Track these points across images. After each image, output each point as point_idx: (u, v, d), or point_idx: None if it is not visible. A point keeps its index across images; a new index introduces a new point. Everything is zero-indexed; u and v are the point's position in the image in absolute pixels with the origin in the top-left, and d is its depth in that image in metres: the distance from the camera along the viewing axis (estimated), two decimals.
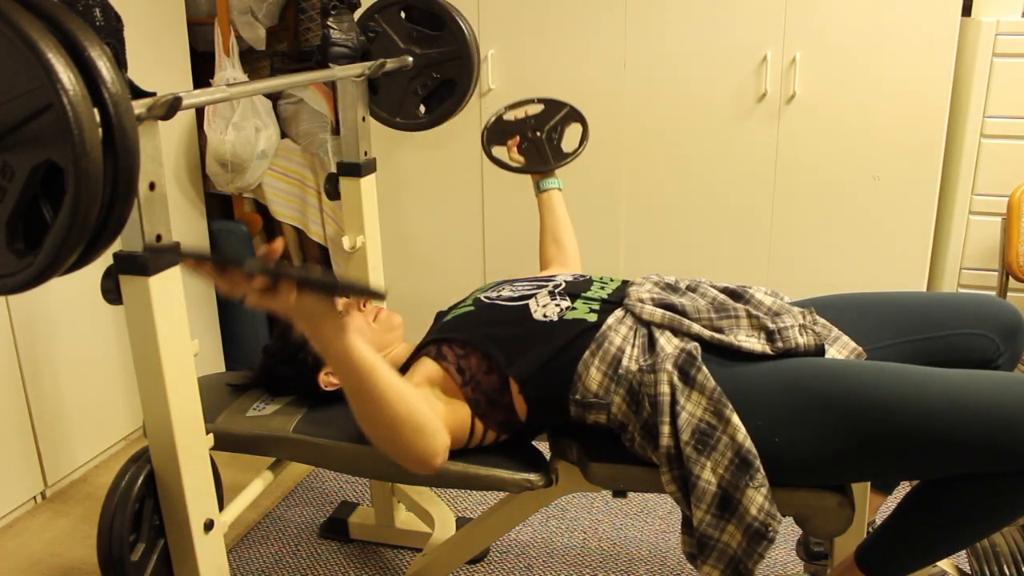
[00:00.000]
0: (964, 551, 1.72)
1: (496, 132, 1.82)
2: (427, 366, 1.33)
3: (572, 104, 1.81)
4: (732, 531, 1.17)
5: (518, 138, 1.79)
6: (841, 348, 1.29)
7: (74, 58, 0.85)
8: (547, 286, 1.40)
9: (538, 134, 1.79)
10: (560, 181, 1.79)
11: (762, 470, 1.15)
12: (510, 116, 1.82)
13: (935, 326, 1.35)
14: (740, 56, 2.25)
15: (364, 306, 1.48)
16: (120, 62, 1.03)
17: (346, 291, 1.09)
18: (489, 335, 1.33)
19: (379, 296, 1.02)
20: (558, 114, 1.80)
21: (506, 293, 1.41)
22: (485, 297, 1.42)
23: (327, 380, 1.44)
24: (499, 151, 1.81)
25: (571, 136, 1.80)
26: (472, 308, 1.41)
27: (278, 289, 0.98)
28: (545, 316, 1.32)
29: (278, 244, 1.01)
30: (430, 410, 1.19)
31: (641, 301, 1.31)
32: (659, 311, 1.29)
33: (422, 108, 1.86)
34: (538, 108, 1.81)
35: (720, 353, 1.25)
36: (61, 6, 0.87)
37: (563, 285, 1.40)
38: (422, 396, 1.23)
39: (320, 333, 1.05)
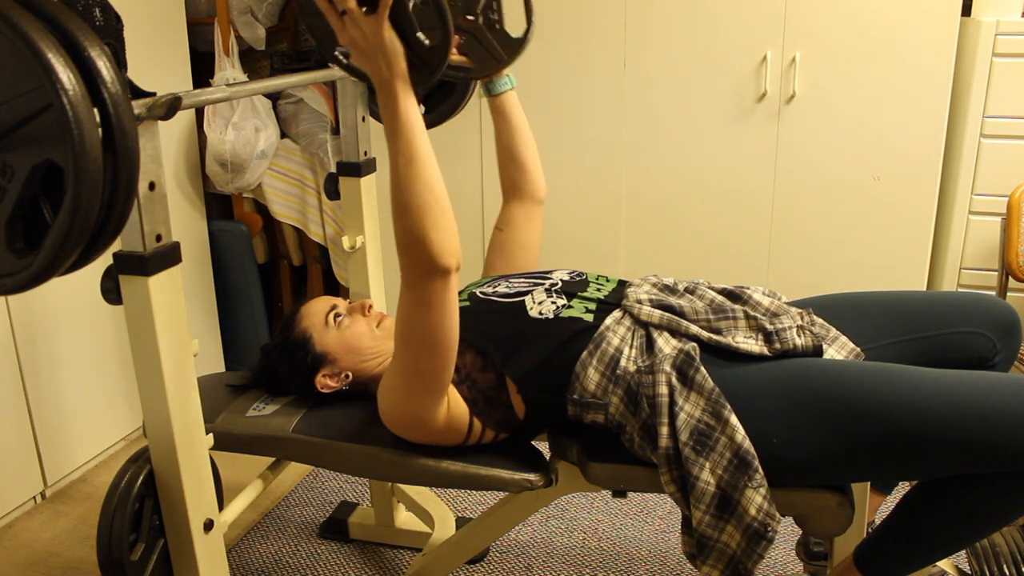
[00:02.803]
0: (964, 551, 1.72)
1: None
2: None
3: None
4: (731, 531, 1.17)
5: (457, 38, 1.43)
6: (839, 348, 1.30)
7: (74, 58, 0.85)
8: (543, 283, 1.40)
9: (471, 18, 1.41)
10: (514, 78, 1.52)
11: (761, 470, 1.15)
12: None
13: (932, 325, 1.35)
14: (740, 56, 2.25)
15: (369, 311, 1.47)
16: (120, 62, 1.03)
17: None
18: (484, 332, 1.33)
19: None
20: None
21: (502, 289, 1.41)
22: (481, 292, 1.42)
23: (323, 382, 1.43)
24: None
25: (512, 13, 1.46)
26: (467, 303, 1.41)
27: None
28: (541, 313, 1.32)
29: None
30: None
31: (639, 302, 1.31)
32: (657, 312, 1.29)
33: (422, 108, 1.86)
34: None
35: (718, 354, 1.25)
36: (61, 6, 0.87)
37: (560, 284, 1.40)
38: None
39: (392, 70, 1.12)
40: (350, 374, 1.43)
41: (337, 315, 1.45)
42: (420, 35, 1.13)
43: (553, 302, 1.34)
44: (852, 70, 2.19)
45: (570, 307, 1.33)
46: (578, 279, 1.42)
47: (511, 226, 1.59)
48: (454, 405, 1.29)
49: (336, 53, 1.19)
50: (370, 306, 1.48)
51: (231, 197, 2.77)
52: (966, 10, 2.20)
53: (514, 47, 1.47)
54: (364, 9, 1.09)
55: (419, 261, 1.14)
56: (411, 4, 1.10)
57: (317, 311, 1.46)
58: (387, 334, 1.45)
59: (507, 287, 1.41)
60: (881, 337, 1.35)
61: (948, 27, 2.12)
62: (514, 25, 1.48)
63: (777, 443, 1.17)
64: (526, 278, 1.44)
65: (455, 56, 1.44)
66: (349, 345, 1.42)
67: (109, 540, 1.16)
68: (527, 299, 1.36)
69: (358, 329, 1.44)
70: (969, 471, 1.13)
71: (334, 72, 1.59)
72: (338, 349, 1.43)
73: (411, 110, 1.14)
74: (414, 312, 1.17)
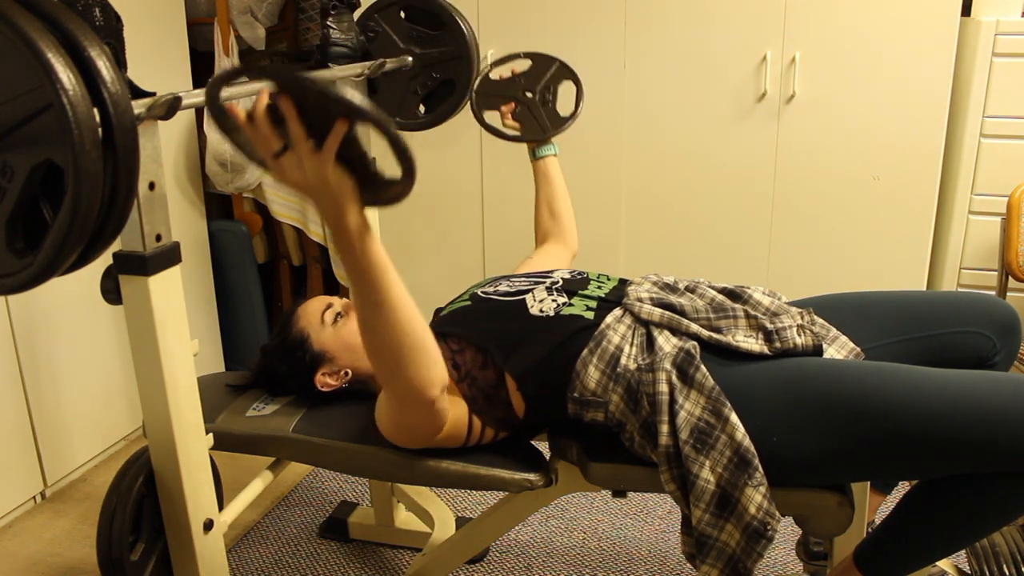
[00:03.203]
0: (964, 551, 1.72)
1: (485, 95, 1.73)
2: None
3: (561, 58, 1.71)
4: (731, 530, 1.17)
5: (512, 104, 1.71)
6: (839, 348, 1.30)
7: (74, 58, 0.85)
8: (544, 282, 1.40)
9: (530, 95, 1.70)
10: (556, 147, 1.74)
11: (761, 469, 1.15)
12: (496, 75, 1.72)
13: (932, 324, 1.35)
14: (740, 56, 2.25)
15: None
16: (120, 62, 1.03)
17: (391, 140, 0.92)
18: (485, 330, 1.33)
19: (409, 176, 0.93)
20: (548, 70, 1.70)
21: (503, 288, 1.41)
22: (482, 292, 1.42)
23: (323, 380, 1.44)
24: (491, 116, 1.74)
25: (565, 96, 1.73)
26: (468, 303, 1.41)
27: (321, 141, 0.91)
28: (542, 311, 1.32)
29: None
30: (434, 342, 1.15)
31: (640, 300, 1.31)
32: (658, 310, 1.29)
33: (422, 108, 1.86)
34: (525, 64, 1.73)
35: (718, 353, 1.25)
36: (61, 6, 0.87)
37: (560, 282, 1.40)
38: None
39: (342, 212, 0.98)
40: (349, 372, 1.43)
41: (335, 314, 1.45)
42: (376, 170, 0.98)
43: (554, 300, 1.34)
44: (852, 70, 2.19)
45: (571, 305, 1.33)
46: (579, 277, 1.42)
47: (539, 255, 1.69)
48: (453, 411, 1.29)
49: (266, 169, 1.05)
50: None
51: (231, 197, 2.77)
52: (966, 10, 2.20)
53: (559, 123, 1.70)
54: (311, 143, 0.93)
55: (401, 394, 1.16)
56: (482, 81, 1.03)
57: (314, 310, 1.46)
58: None
59: (508, 286, 1.42)
60: (881, 337, 1.35)
61: (948, 27, 2.12)
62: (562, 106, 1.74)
63: (777, 442, 1.17)
64: (527, 277, 1.45)
65: (508, 120, 1.71)
66: (347, 343, 1.43)
67: (109, 540, 1.16)
68: (528, 297, 1.36)
69: (354, 327, 1.43)
70: (969, 471, 1.13)
71: (334, 72, 1.59)
72: (336, 347, 1.43)
73: (371, 250, 1.01)
74: (395, 407, 1.20)
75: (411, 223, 2.62)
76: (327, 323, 1.44)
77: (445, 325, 1.38)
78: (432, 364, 1.13)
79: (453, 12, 1.76)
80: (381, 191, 0.99)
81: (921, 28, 2.13)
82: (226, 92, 1.27)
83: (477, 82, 1.74)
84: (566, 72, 1.72)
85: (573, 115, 1.69)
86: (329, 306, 1.46)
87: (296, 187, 0.97)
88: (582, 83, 1.72)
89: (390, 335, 1.09)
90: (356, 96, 0.89)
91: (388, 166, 0.98)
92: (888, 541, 1.25)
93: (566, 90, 1.74)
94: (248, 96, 1.05)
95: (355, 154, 0.95)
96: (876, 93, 2.20)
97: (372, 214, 1.77)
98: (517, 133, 1.74)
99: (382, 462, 1.34)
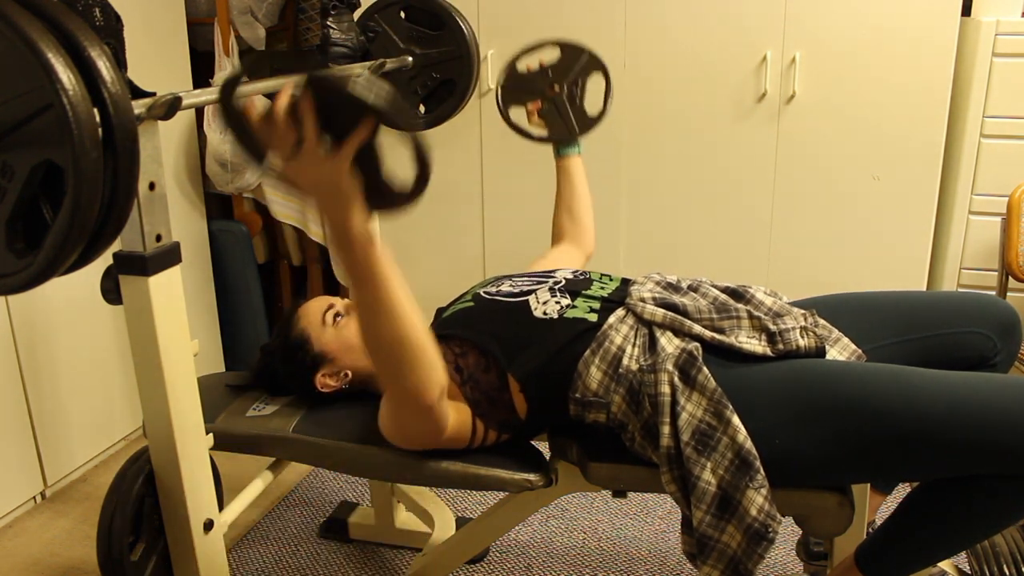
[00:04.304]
0: (964, 551, 1.72)
1: (511, 90, 1.66)
2: None
3: (592, 50, 1.63)
4: (732, 531, 1.17)
5: (539, 102, 1.64)
6: (842, 350, 1.29)
7: (74, 58, 0.85)
8: (547, 283, 1.40)
9: (557, 90, 1.61)
10: (581, 146, 1.69)
11: (762, 471, 1.15)
12: (523, 67, 1.64)
13: (933, 325, 1.35)
14: (740, 56, 2.25)
15: None
16: (120, 62, 1.03)
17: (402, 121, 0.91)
18: (488, 332, 1.32)
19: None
20: (577, 62, 1.60)
21: (506, 288, 1.41)
22: (485, 292, 1.42)
23: (323, 381, 1.43)
24: (516, 113, 1.67)
25: (593, 91, 1.65)
26: (471, 303, 1.41)
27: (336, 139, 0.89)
28: (545, 314, 1.32)
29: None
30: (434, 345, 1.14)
31: (642, 300, 1.31)
32: (660, 311, 1.28)
33: (422, 108, 1.86)
34: (554, 54, 1.64)
35: (721, 354, 1.24)
36: (61, 6, 0.87)
37: (563, 282, 1.39)
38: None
39: (347, 217, 0.96)
40: (349, 372, 1.43)
41: (335, 314, 1.45)
42: (386, 178, 0.98)
43: (557, 302, 1.34)
44: (852, 70, 2.19)
45: (574, 307, 1.32)
46: (581, 278, 1.42)
47: (553, 254, 1.67)
48: (456, 414, 1.29)
49: (267, 169, 1.04)
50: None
51: (231, 197, 2.77)
52: (966, 10, 2.20)
53: (587, 123, 1.63)
54: (328, 144, 0.92)
55: (398, 396, 1.16)
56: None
57: (314, 311, 1.46)
58: None
59: (511, 286, 1.41)
60: (881, 337, 1.35)
61: (948, 27, 2.12)
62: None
63: (779, 444, 1.16)
64: (530, 277, 1.44)
65: (533, 119, 1.64)
66: (348, 344, 1.42)
67: (109, 540, 1.16)
68: (531, 299, 1.35)
69: (356, 327, 1.43)
70: (971, 473, 1.13)
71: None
72: (337, 348, 1.43)
73: (373, 256, 1.00)
74: (396, 407, 1.20)
75: (411, 223, 2.62)
76: (328, 324, 1.44)
77: (448, 327, 1.37)
78: (431, 369, 1.13)
79: (453, 12, 1.76)
80: (389, 199, 0.98)
81: (921, 28, 2.13)
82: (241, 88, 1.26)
83: (503, 76, 1.67)
84: (596, 64, 1.64)
85: (602, 114, 1.63)
86: (330, 307, 1.46)
87: (306, 188, 0.96)
88: (611, 78, 1.64)
89: (390, 340, 1.09)
90: (382, 93, 0.87)
91: (397, 167, 0.97)
92: (889, 542, 1.25)
93: (593, 85, 1.67)
94: (248, 96, 1.04)
95: (370, 159, 0.94)
96: (876, 93, 2.20)
97: (372, 214, 1.76)
98: (544, 133, 1.68)
99: (382, 462, 1.34)
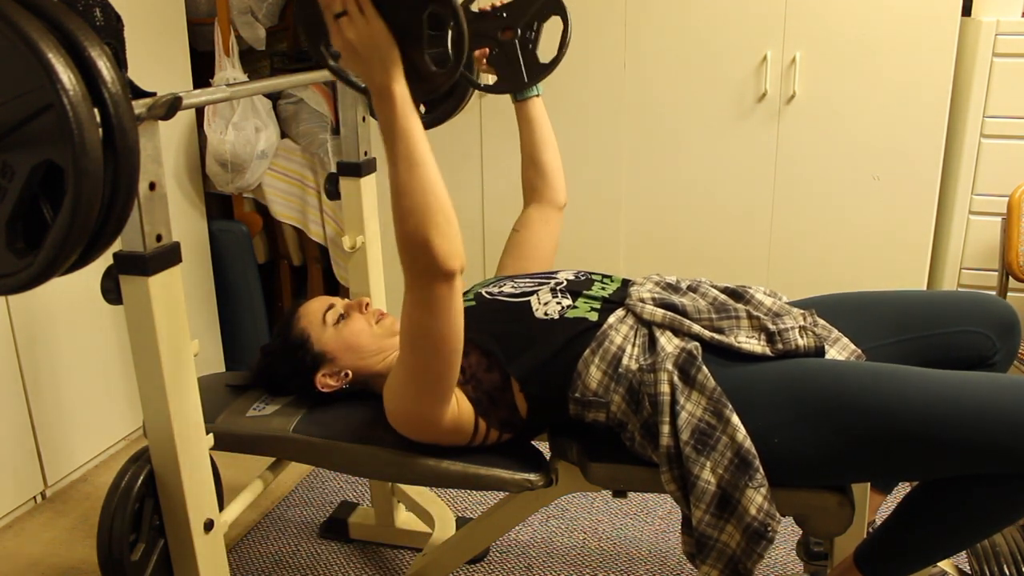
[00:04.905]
0: (964, 551, 1.72)
1: None
2: None
3: None
4: (731, 531, 1.17)
5: (487, 48, 1.51)
6: (841, 350, 1.30)
7: (74, 58, 0.85)
8: (548, 283, 1.40)
9: (509, 34, 1.50)
10: (540, 87, 1.58)
11: (761, 470, 1.15)
12: (477, 7, 1.51)
13: (932, 324, 1.35)
14: (740, 56, 2.25)
15: (366, 308, 1.48)
16: (120, 62, 1.02)
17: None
18: (489, 332, 1.33)
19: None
20: (533, 3, 1.49)
21: (507, 289, 1.41)
22: (486, 292, 1.42)
23: (323, 381, 1.43)
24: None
25: (549, 36, 1.51)
26: (473, 303, 1.41)
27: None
28: (546, 314, 1.32)
29: None
30: None
31: (642, 301, 1.31)
32: (660, 311, 1.29)
33: (422, 108, 1.86)
34: None
35: (720, 353, 1.25)
36: (61, 6, 0.87)
37: (564, 283, 1.40)
38: None
39: (388, 77, 1.08)
40: (350, 372, 1.43)
41: (336, 315, 1.45)
42: (427, 58, 1.09)
43: (558, 302, 1.34)
44: (852, 70, 2.19)
45: (575, 307, 1.33)
46: (583, 278, 1.42)
47: (527, 228, 1.62)
48: (462, 406, 1.29)
49: (323, 50, 1.19)
50: (367, 304, 1.48)
51: (231, 197, 2.77)
52: (966, 10, 2.20)
53: (539, 71, 1.51)
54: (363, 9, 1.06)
55: (423, 265, 1.13)
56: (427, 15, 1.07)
57: (315, 310, 1.46)
58: (386, 331, 1.45)
59: (512, 287, 1.41)
60: (881, 337, 1.35)
61: (948, 27, 2.12)
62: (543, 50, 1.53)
63: (778, 443, 1.17)
64: (531, 278, 1.44)
65: (482, 67, 1.53)
66: (348, 343, 1.43)
67: (109, 540, 1.16)
68: (532, 299, 1.36)
69: (356, 327, 1.44)
70: (970, 472, 1.13)
71: None
72: (337, 348, 1.43)
73: (408, 114, 1.11)
74: (420, 315, 1.17)
75: None
76: (328, 324, 1.44)
77: None
78: (455, 236, 1.14)
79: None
80: (424, 71, 1.09)
81: (921, 28, 2.13)
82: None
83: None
84: (553, 5, 1.50)
85: (555, 60, 1.50)
86: (331, 307, 1.46)
87: (349, 47, 1.08)
88: (570, 21, 1.50)
89: (421, 195, 1.11)
90: None
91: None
92: (888, 541, 1.25)
93: (551, 28, 1.52)
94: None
95: (408, 26, 1.05)
96: (876, 93, 2.20)
97: (372, 213, 1.77)
98: (491, 81, 1.56)
99: (382, 462, 1.34)
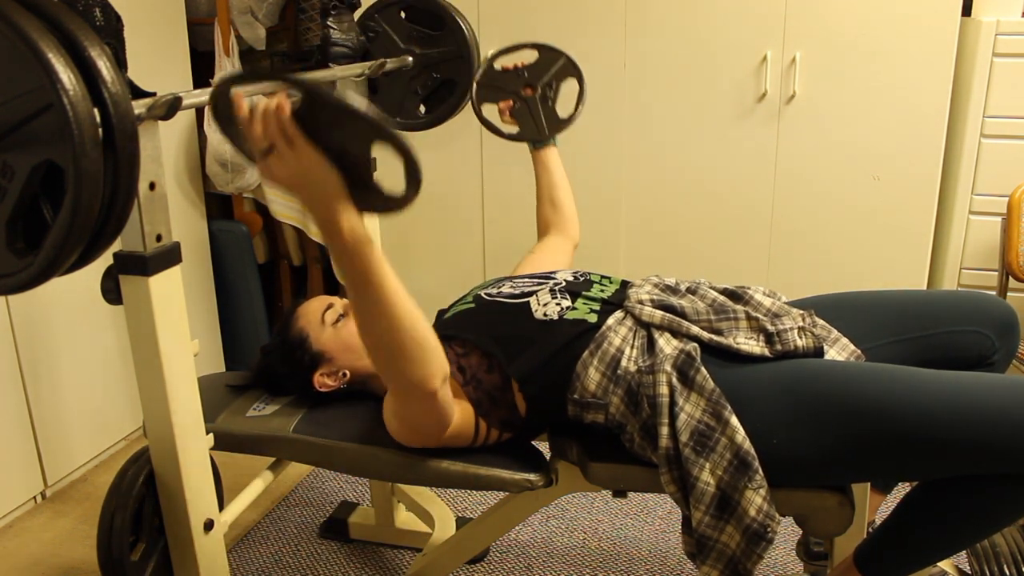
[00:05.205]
0: (964, 551, 1.72)
1: (486, 87, 1.69)
2: None
3: (568, 53, 1.68)
4: (731, 532, 1.17)
5: (511, 101, 1.68)
6: (840, 350, 1.30)
7: (74, 58, 0.85)
8: (548, 284, 1.40)
9: (530, 92, 1.66)
10: (556, 138, 1.73)
11: (761, 471, 1.15)
12: (500, 66, 1.69)
13: (932, 324, 1.35)
14: (740, 56, 2.25)
15: None
16: (120, 62, 1.03)
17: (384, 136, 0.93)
18: (489, 333, 1.33)
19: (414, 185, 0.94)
20: (554, 66, 1.66)
21: (507, 290, 1.41)
22: (486, 294, 1.42)
23: (321, 381, 1.44)
24: (489, 111, 1.71)
25: (567, 95, 1.70)
26: (472, 305, 1.41)
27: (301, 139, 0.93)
28: (546, 315, 1.32)
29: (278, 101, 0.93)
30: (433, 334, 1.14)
31: (641, 303, 1.31)
32: (659, 313, 1.29)
33: (422, 108, 1.86)
34: (532, 56, 1.69)
35: (719, 355, 1.25)
36: (61, 6, 0.87)
37: (564, 284, 1.40)
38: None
39: (332, 212, 0.99)
40: (348, 372, 1.43)
41: (334, 314, 1.45)
42: (378, 186, 0.99)
43: (558, 303, 1.34)
44: (852, 70, 2.19)
45: (574, 308, 1.33)
46: (582, 279, 1.42)
47: (543, 251, 1.67)
48: (460, 411, 1.29)
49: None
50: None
51: (231, 197, 2.77)
52: (966, 10, 2.20)
53: (556, 124, 1.67)
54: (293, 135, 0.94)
55: (402, 387, 1.16)
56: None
57: (313, 310, 1.46)
58: None
59: (512, 288, 1.42)
60: (880, 336, 1.35)
61: (948, 27, 2.12)
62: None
63: (777, 444, 1.17)
64: (531, 279, 1.44)
65: (506, 118, 1.68)
66: (346, 343, 1.43)
67: (109, 540, 1.16)
68: (532, 300, 1.36)
69: (354, 327, 1.44)
70: (969, 472, 1.13)
71: (334, 72, 1.59)
72: (335, 348, 1.43)
73: (361, 248, 1.01)
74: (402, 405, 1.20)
75: (411, 223, 2.62)
76: (327, 323, 1.44)
77: (449, 328, 1.38)
78: (431, 359, 1.13)
79: (453, 12, 1.76)
80: (377, 199, 1.00)
81: (921, 28, 2.13)
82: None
83: (480, 73, 1.71)
84: (571, 69, 1.69)
85: (572, 117, 1.68)
86: (329, 306, 1.46)
87: (282, 183, 0.99)
88: (585, 83, 1.69)
89: (388, 336, 1.09)
90: (361, 104, 0.91)
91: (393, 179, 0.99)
92: (888, 542, 1.25)
93: (568, 88, 1.72)
94: (248, 95, 1.05)
95: (350, 157, 0.96)
96: (876, 93, 2.20)
97: (372, 215, 1.76)
98: (514, 131, 1.72)
99: (382, 462, 1.34)
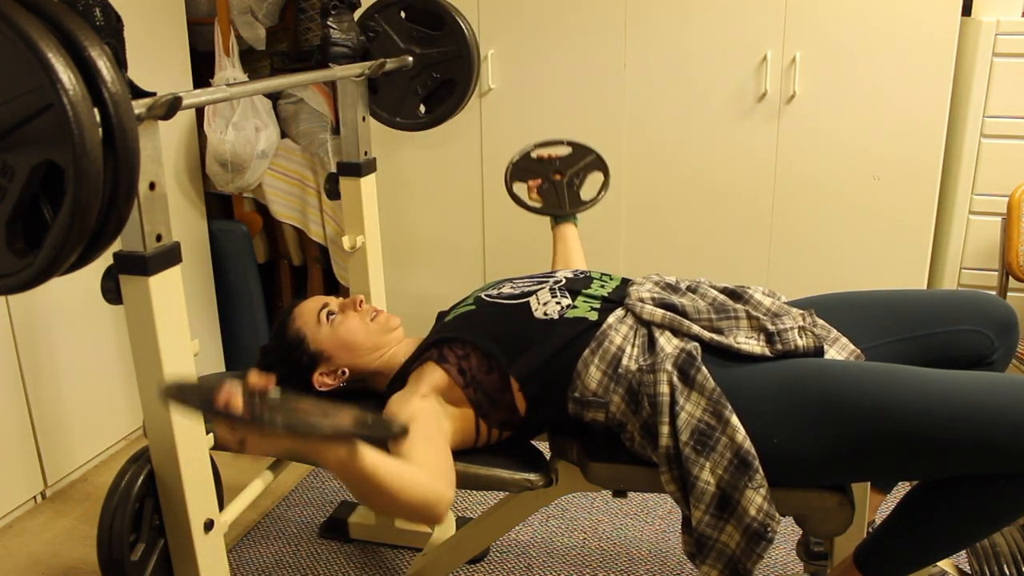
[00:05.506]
0: (964, 551, 1.72)
1: (520, 168, 1.84)
2: (433, 374, 1.33)
3: (599, 152, 1.84)
4: (731, 531, 1.17)
5: (540, 180, 1.82)
6: (840, 349, 1.29)
7: (74, 58, 0.85)
8: (547, 283, 1.40)
9: (559, 177, 1.82)
10: (577, 219, 1.83)
11: (761, 471, 1.15)
12: (536, 155, 1.85)
13: (931, 323, 1.35)
14: (740, 56, 2.25)
15: (361, 306, 1.48)
16: (120, 62, 1.03)
17: (341, 436, 0.96)
18: (490, 334, 1.33)
19: (393, 435, 0.98)
20: (583, 160, 1.83)
21: (507, 291, 1.42)
22: (486, 295, 1.43)
23: (320, 380, 1.44)
24: (519, 187, 1.83)
25: (591, 183, 1.84)
26: (473, 306, 1.41)
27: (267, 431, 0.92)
28: (546, 314, 1.32)
29: (254, 380, 0.93)
30: (428, 477, 1.13)
31: (642, 301, 1.31)
32: (659, 311, 1.29)
33: (422, 108, 1.86)
34: (565, 151, 1.84)
35: (719, 354, 1.25)
36: (61, 6, 0.87)
37: (563, 282, 1.40)
38: (422, 448, 1.18)
39: (319, 456, 1.02)
40: (347, 370, 1.43)
41: (330, 313, 1.45)
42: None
43: (558, 302, 1.34)
44: (852, 70, 2.19)
45: (575, 307, 1.33)
46: (582, 277, 1.42)
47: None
48: (461, 421, 1.29)
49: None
50: (362, 301, 1.48)
51: (231, 197, 2.77)
52: (966, 10, 2.20)
53: (578, 205, 1.83)
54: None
55: (415, 522, 1.24)
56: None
57: (309, 310, 1.47)
58: (381, 328, 1.46)
59: (512, 288, 1.42)
60: (880, 336, 1.35)
61: (948, 27, 2.12)
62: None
63: (778, 443, 1.17)
64: (530, 278, 1.45)
65: (533, 195, 1.83)
66: (343, 342, 1.43)
67: (109, 540, 1.16)
68: (532, 300, 1.36)
69: (351, 325, 1.44)
70: (969, 471, 1.13)
71: (334, 72, 1.59)
72: (332, 346, 1.43)
73: (355, 468, 1.01)
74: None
75: (411, 223, 2.62)
76: (323, 323, 1.44)
77: (449, 330, 1.38)
78: (435, 503, 1.11)
79: (453, 12, 1.77)
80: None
81: (921, 28, 2.13)
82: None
83: (517, 156, 1.84)
84: (599, 165, 1.85)
85: (594, 200, 1.83)
86: (325, 305, 1.46)
87: (268, 455, 1.07)
88: (610, 176, 1.84)
89: (391, 508, 1.13)
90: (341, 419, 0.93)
91: None
92: (888, 541, 1.25)
93: (594, 181, 1.84)
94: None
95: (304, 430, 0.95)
96: (876, 93, 2.20)
97: (372, 213, 1.77)
98: (538, 206, 1.84)
99: None
